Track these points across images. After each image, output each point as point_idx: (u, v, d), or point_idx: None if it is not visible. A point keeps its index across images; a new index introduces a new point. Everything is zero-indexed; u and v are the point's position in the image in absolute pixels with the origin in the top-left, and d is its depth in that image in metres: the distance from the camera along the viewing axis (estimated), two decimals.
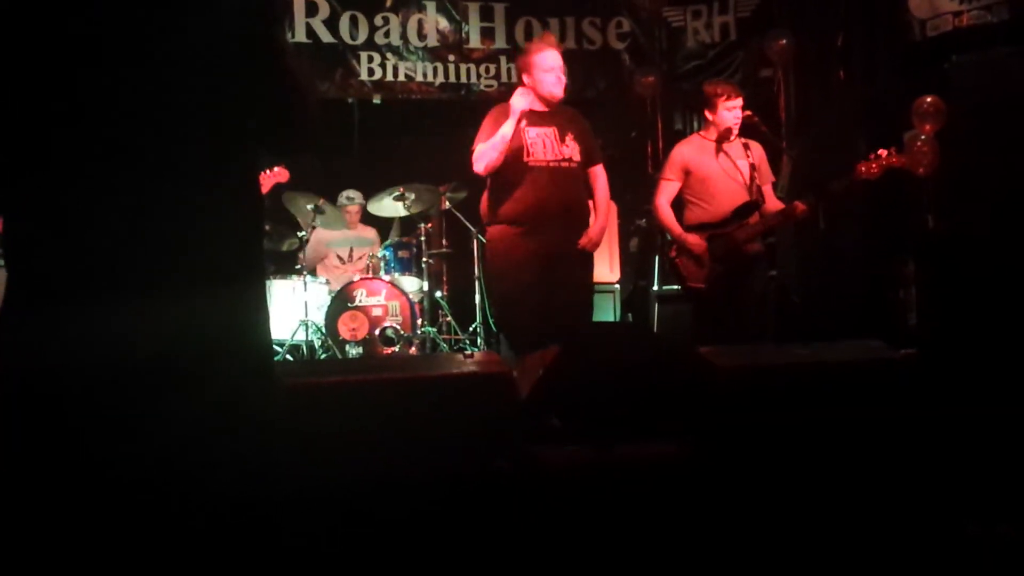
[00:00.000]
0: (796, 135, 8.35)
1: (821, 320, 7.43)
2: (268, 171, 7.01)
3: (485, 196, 5.71)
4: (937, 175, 6.83)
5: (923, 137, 6.92)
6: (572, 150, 5.55)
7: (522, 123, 5.46)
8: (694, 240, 6.03)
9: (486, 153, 5.42)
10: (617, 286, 8.10)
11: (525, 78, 5.61)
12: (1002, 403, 3.86)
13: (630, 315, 8.06)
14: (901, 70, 7.69)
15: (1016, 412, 3.75)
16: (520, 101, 5.40)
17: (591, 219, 5.74)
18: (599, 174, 5.78)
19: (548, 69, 5.52)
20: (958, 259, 6.20)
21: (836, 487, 3.49)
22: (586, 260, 5.74)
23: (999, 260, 5.82)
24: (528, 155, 5.46)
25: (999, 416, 3.78)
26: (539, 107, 5.54)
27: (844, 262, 7.74)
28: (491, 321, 7.44)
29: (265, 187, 7.08)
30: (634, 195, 8.63)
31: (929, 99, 6.95)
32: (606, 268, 7.99)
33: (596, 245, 5.73)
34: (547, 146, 5.50)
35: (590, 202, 5.76)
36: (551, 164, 5.49)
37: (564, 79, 5.57)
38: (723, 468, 3.55)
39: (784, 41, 8.49)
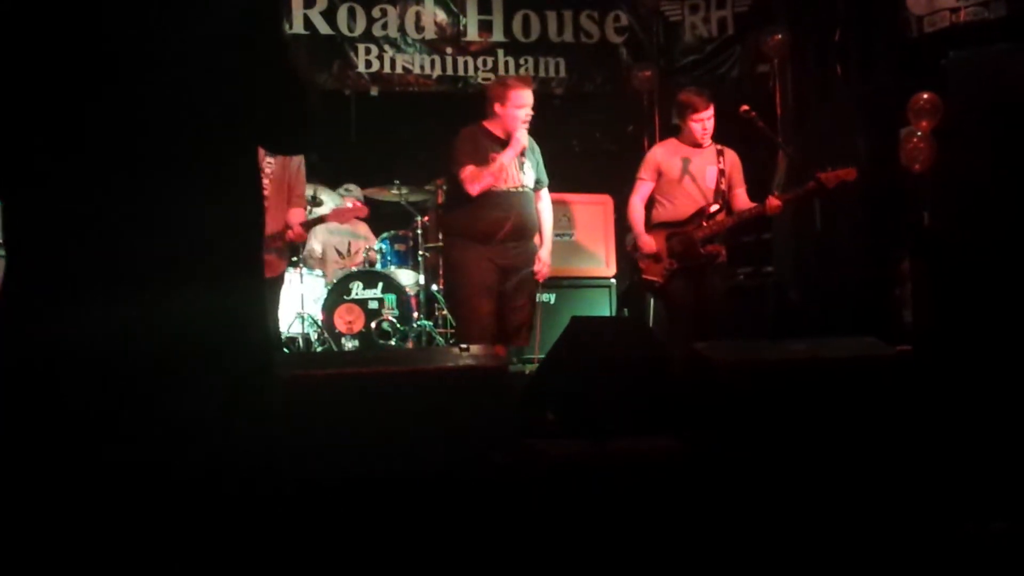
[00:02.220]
0: (793, 131, 8.34)
1: (817, 316, 7.44)
2: (352, 204, 7.23)
3: (447, 208, 6.29)
4: (933, 172, 6.84)
5: (919, 134, 6.92)
6: (528, 177, 6.03)
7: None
8: (645, 242, 6.41)
9: (484, 179, 5.83)
10: (613, 281, 8.10)
11: (496, 107, 5.98)
12: (996, 399, 3.87)
13: (626, 310, 8.05)
14: (898, 66, 7.68)
15: (1011, 408, 3.77)
16: (524, 137, 5.89)
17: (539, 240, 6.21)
18: (544, 197, 6.24)
19: (520, 106, 5.92)
20: (954, 256, 6.22)
21: (831, 483, 3.50)
22: (532, 272, 6.14)
23: (995, 257, 5.83)
24: (501, 182, 5.93)
25: (993, 412, 3.80)
26: (501, 134, 5.96)
27: (840, 259, 7.73)
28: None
29: (346, 218, 7.21)
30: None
31: (926, 96, 6.95)
32: (602, 263, 8.00)
33: (548, 269, 6.24)
34: (510, 174, 5.94)
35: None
36: (510, 190, 5.95)
37: (528, 120, 5.96)
38: (718, 462, 3.56)
39: (781, 36, 8.47)
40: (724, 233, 6.38)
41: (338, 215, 6.98)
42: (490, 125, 6.02)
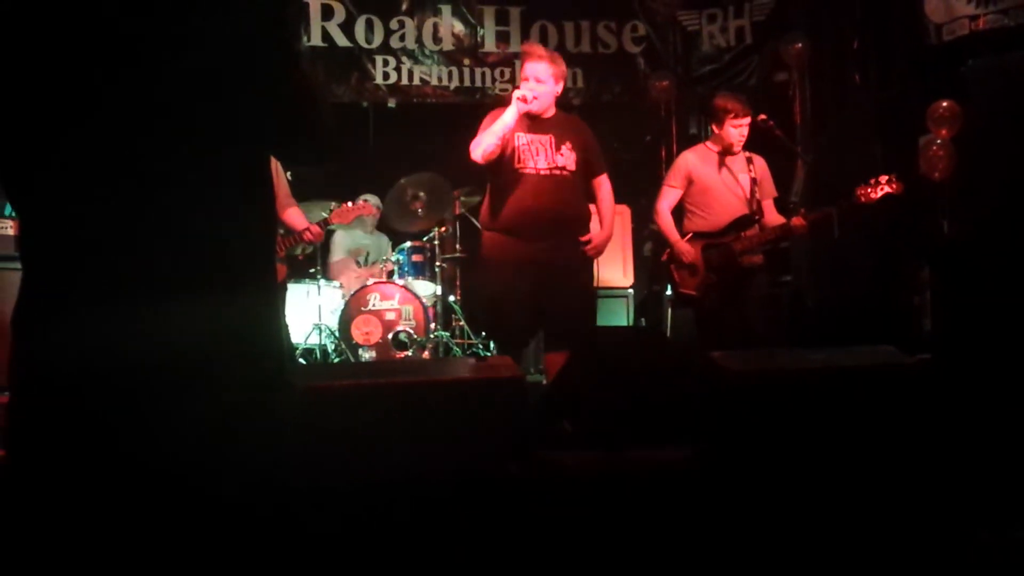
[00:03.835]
0: (811, 139, 8.33)
1: (835, 325, 7.41)
2: (352, 203, 7.07)
3: (485, 202, 5.67)
4: (953, 180, 6.82)
5: (939, 142, 6.90)
6: (567, 159, 5.43)
7: (515, 131, 5.41)
8: (686, 249, 6.15)
9: (484, 139, 5.33)
10: (631, 290, 8.10)
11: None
12: (1016, 409, 3.84)
13: (643, 319, 8.05)
14: (917, 74, 7.67)
15: None
16: (519, 93, 5.35)
17: (596, 227, 5.67)
18: (602, 184, 5.67)
19: (524, 78, 5.46)
20: (973, 264, 6.18)
21: (848, 493, 3.48)
22: (584, 265, 5.67)
23: (1014, 266, 5.80)
24: (518, 161, 5.39)
25: (1012, 422, 3.77)
26: (536, 113, 5.46)
27: (858, 267, 7.71)
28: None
29: (349, 218, 7.09)
30: (648, 200, 8.57)
31: (945, 104, 6.94)
32: (620, 272, 8.00)
33: (599, 252, 5.65)
34: (539, 153, 5.40)
35: (592, 207, 5.69)
36: (542, 172, 5.39)
37: (542, 91, 5.40)
38: (734, 473, 3.54)
39: (799, 45, 8.48)
40: (760, 246, 6.18)
41: (340, 215, 6.87)
42: None
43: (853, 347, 4.22)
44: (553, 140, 5.42)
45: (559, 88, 5.51)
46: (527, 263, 5.37)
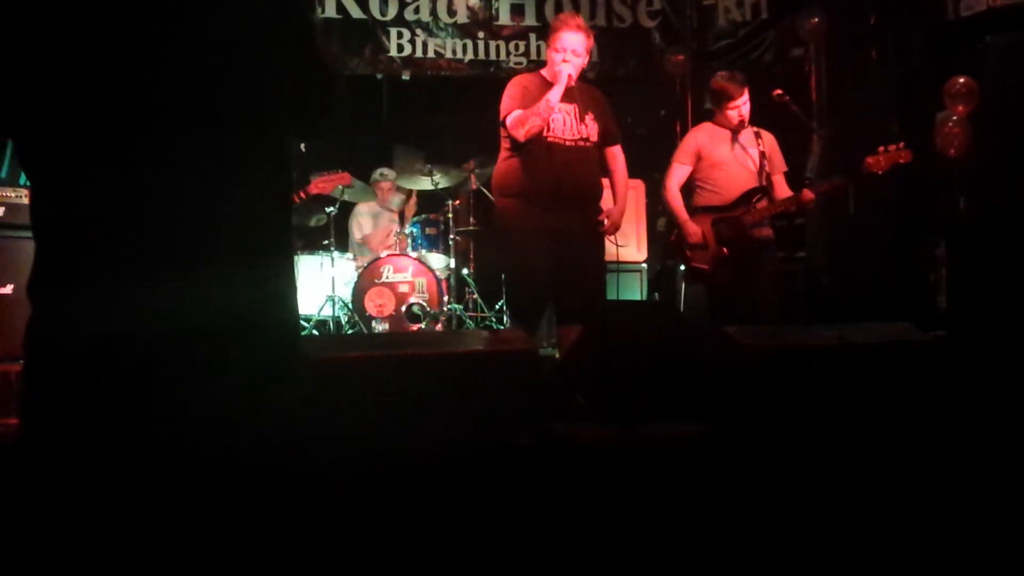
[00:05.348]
0: (827, 115, 8.29)
1: (850, 302, 7.39)
2: (330, 173, 7.14)
3: (498, 167, 5.58)
4: (969, 157, 6.78)
5: (955, 118, 6.87)
6: (590, 130, 5.43)
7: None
8: (693, 229, 6.16)
9: (530, 119, 5.26)
10: (644, 265, 8.08)
11: (548, 49, 5.50)
12: None
13: (657, 294, 8.03)
14: (934, 50, 7.62)
15: None
16: (568, 68, 5.29)
17: (611, 199, 5.66)
18: (617, 154, 5.67)
19: (558, 49, 5.38)
20: (989, 241, 6.15)
21: (862, 469, 3.48)
22: (598, 238, 5.61)
23: None
24: (548, 131, 5.34)
25: None
26: (552, 79, 5.39)
27: (874, 244, 7.69)
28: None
29: (328, 187, 7.17)
30: (663, 174, 8.58)
31: (962, 80, 6.90)
32: (633, 248, 7.97)
33: (617, 227, 5.66)
34: (567, 124, 5.38)
35: (604, 181, 5.67)
36: (568, 143, 5.36)
37: (577, 64, 5.39)
38: (748, 449, 3.54)
39: (816, 19, 8.42)
40: (769, 219, 6.15)
41: (320, 185, 6.98)
42: (545, 71, 5.51)
43: (868, 324, 4.21)
44: (577, 110, 5.41)
45: (587, 60, 5.53)
46: (547, 232, 5.33)
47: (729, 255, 6.10)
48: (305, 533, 1.93)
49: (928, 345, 4.01)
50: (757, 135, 6.21)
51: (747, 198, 6.11)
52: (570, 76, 5.28)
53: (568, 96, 5.39)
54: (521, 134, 5.28)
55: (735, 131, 6.22)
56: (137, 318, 1.73)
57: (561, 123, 5.38)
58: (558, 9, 8.92)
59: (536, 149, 5.34)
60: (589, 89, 5.65)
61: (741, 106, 6.15)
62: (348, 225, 8.61)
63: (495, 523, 3.28)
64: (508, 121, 5.34)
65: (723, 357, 3.88)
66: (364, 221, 8.58)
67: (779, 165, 6.27)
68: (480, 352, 3.77)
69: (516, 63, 8.83)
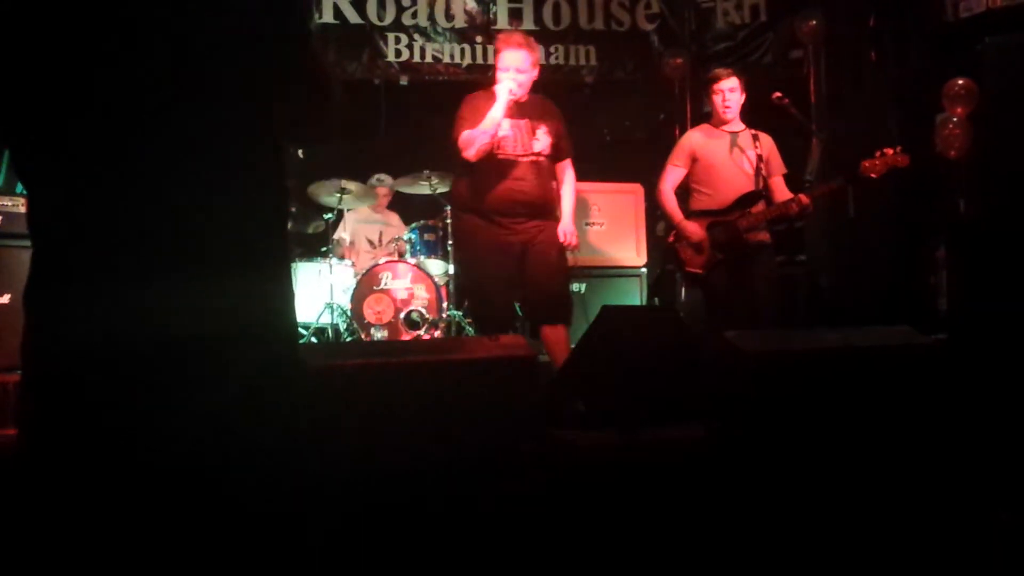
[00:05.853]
0: (827, 117, 8.28)
1: (850, 305, 7.38)
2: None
3: (454, 185, 5.72)
4: (969, 159, 6.77)
5: (955, 120, 6.86)
6: (542, 143, 5.54)
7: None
8: (692, 229, 6.13)
9: (478, 138, 5.37)
10: (643, 270, 8.06)
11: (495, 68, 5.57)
12: None
13: (656, 299, 8.02)
14: (933, 52, 7.62)
15: None
16: (506, 86, 5.37)
17: (559, 213, 5.72)
18: (566, 168, 5.77)
19: (504, 68, 5.44)
20: (989, 244, 6.13)
21: (865, 473, 3.46)
22: (559, 247, 5.66)
23: None
24: (499, 148, 5.45)
25: None
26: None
27: (874, 247, 7.68)
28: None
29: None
30: (660, 177, 8.61)
31: (961, 81, 6.89)
32: (632, 252, 7.95)
33: (576, 238, 5.73)
34: (517, 140, 5.48)
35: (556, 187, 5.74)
36: (519, 158, 5.48)
37: (522, 80, 5.45)
38: (749, 453, 3.53)
39: (815, 22, 8.42)
40: (765, 223, 6.11)
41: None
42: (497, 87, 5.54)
43: (869, 327, 4.20)
44: (528, 124, 5.51)
45: (536, 72, 5.56)
46: (507, 247, 5.48)
47: (724, 260, 6.07)
48: (303, 541, 1.91)
49: (929, 348, 4.00)
50: (755, 138, 6.17)
51: (743, 202, 6.07)
52: (511, 92, 5.35)
53: (518, 111, 5.49)
54: (471, 154, 5.40)
55: (729, 131, 6.18)
56: (134, 326, 1.72)
57: (512, 140, 5.48)
58: (555, 13, 8.94)
59: (488, 167, 5.45)
60: (543, 103, 5.70)
61: (726, 91, 6.11)
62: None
63: (496, 530, 3.26)
64: (459, 142, 5.43)
65: (723, 361, 3.86)
66: (349, 227, 8.47)
67: (778, 167, 6.24)
68: (480, 358, 3.75)
69: None
